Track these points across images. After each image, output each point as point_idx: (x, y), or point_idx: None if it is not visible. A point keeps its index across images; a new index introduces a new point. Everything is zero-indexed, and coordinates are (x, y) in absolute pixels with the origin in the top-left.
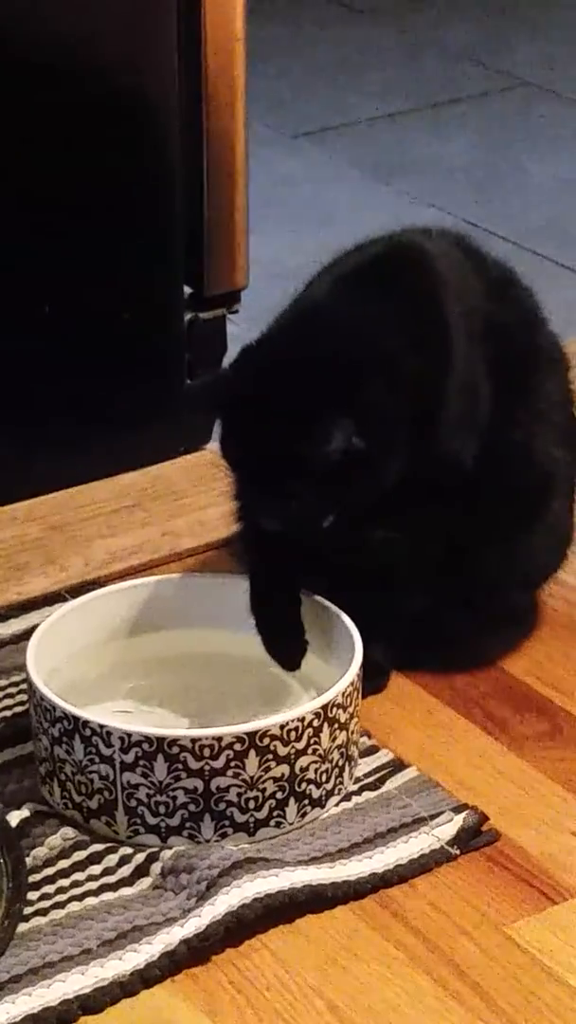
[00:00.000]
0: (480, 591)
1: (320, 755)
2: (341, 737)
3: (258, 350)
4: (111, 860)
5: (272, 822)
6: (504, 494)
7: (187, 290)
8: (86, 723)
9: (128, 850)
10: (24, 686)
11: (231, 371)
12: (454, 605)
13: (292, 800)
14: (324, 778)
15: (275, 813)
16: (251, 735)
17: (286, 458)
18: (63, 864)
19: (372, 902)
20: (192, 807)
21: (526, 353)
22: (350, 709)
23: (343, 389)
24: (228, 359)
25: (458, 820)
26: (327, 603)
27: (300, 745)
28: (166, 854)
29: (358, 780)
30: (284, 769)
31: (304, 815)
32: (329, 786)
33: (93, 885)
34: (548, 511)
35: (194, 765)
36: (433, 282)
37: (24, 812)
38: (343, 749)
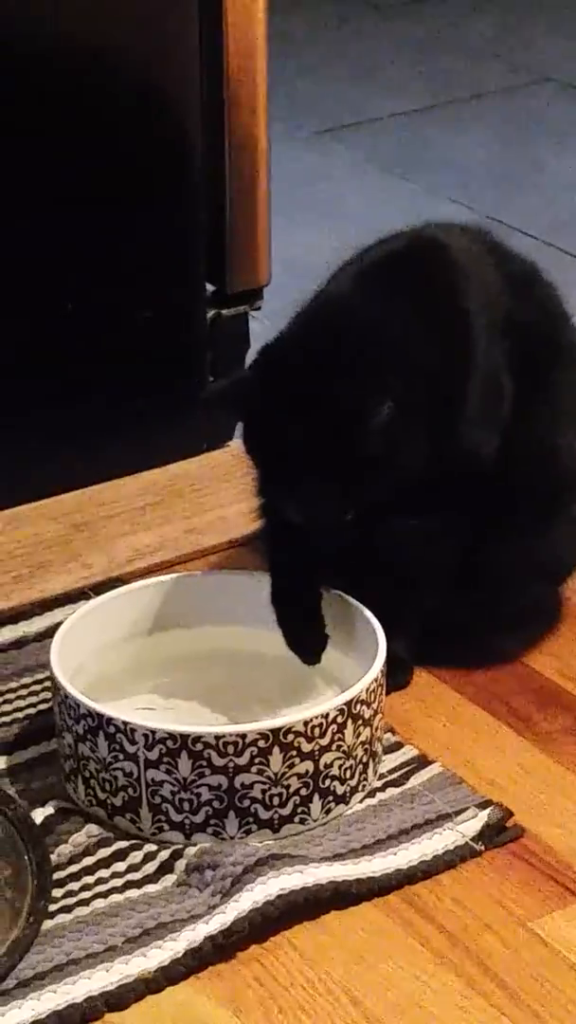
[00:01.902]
0: (502, 586)
1: (344, 751)
2: (365, 733)
3: (279, 349)
4: (136, 857)
5: (296, 819)
6: (525, 489)
7: (209, 287)
8: (110, 720)
9: (152, 847)
10: (48, 683)
11: (253, 371)
12: (476, 601)
13: (316, 796)
14: (348, 774)
15: (299, 810)
16: (275, 732)
17: (315, 451)
18: (88, 861)
19: (397, 898)
20: (216, 804)
21: (548, 349)
22: (374, 705)
23: (371, 382)
24: (251, 356)
25: (483, 816)
26: (350, 599)
27: (324, 741)
28: (190, 851)
29: (382, 776)
30: (308, 766)
31: (328, 811)
32: (353, 782)
33: (118, 882)
34: (569, 506)
35: (218, 762)
36: (455, 277)
37: (48, 809)
38: (367, 745)
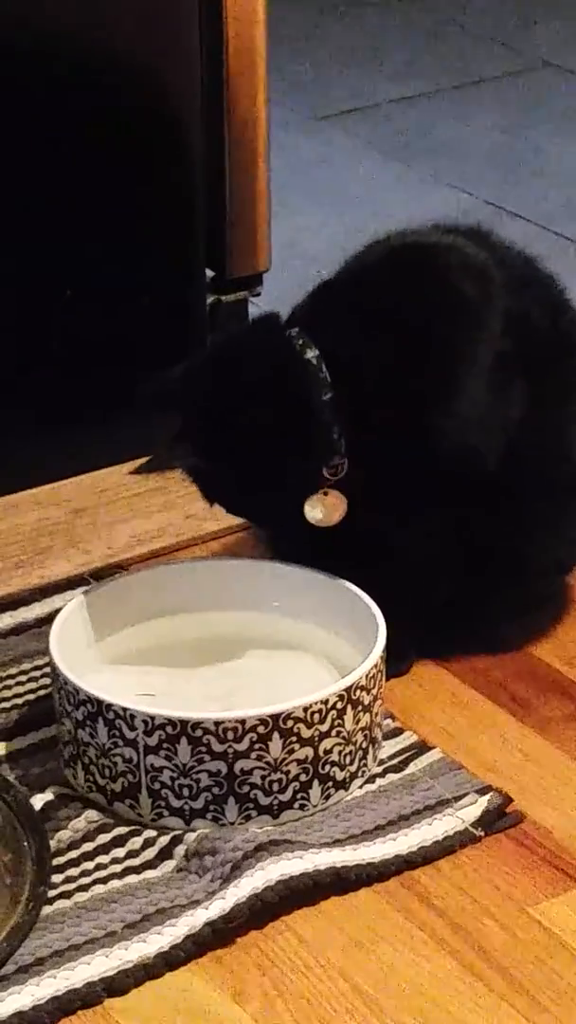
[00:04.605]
0: (515, 578)
1: (344, 737)
2: (365, 719)
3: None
4: (135, 843)
5: (296, 804)
6: (533, 480)
7: (209, 273)
8: (109, 706)
9: (152, 833)
10: (47, 670)
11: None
12: (481, 590)
13: (316, 782)
14: (348, 760)
15: (299, 795)
16: (275, 717)
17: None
18: (87, 847)
19: (396, 884)
20: (216, 790)
21: (549, 341)
22: (374, 691)
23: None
24: None
25: (482, 802)
26: (350, 585)
27: (324, 727)
28: (190, 837)
29: (382, 762)
30: (308, 751)
31: (328, 797)
32: (353, 768)
33: (117, 868)
34: None
35: (218, 748)
36: (436, 297)
37: (48, 795)
38: (367, 731)
